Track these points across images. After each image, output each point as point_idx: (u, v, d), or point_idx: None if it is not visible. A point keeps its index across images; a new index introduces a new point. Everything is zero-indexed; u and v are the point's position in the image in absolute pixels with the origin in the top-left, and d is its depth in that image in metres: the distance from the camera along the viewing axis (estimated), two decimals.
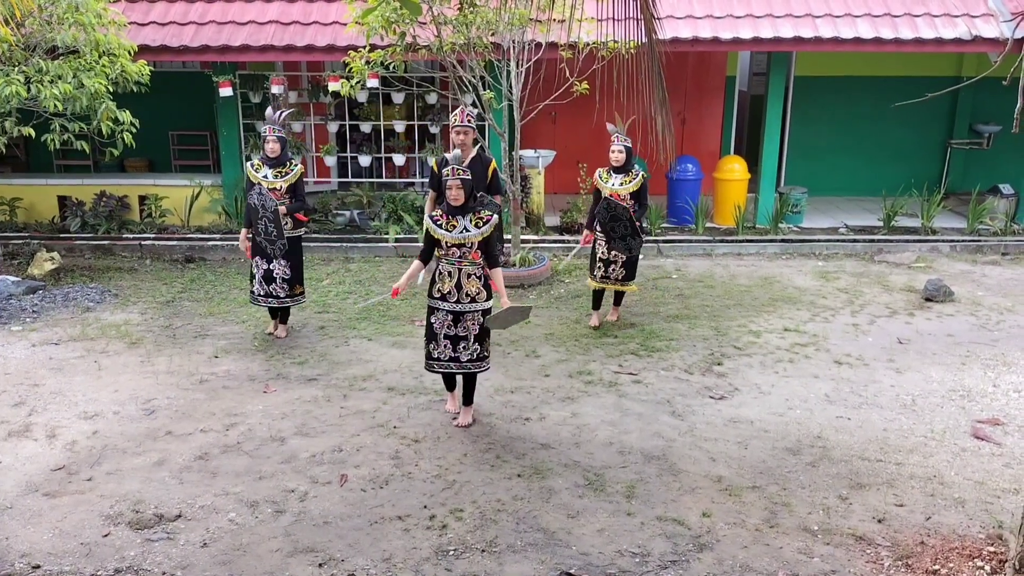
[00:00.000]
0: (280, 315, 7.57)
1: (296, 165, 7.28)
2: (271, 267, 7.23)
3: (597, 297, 7.78)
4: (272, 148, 7.13)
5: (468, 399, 5.87)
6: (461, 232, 5.43)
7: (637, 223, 7.30)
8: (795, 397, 6.36)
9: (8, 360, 7.00)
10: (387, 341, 7.44)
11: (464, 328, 5.58)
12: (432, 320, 5.63)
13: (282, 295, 7.32)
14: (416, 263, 5.68)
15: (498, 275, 5.58)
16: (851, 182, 12.79)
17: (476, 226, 5.43)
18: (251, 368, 6.87)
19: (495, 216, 5.51)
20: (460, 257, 5.47)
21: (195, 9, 10.46)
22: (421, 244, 10.08)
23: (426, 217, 5.62)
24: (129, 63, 8.67)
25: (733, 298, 8.68)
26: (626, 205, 7.25)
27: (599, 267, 7.57)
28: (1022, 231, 10.94)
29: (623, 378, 6.68)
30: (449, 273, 5.51)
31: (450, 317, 5.56)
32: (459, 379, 5.91)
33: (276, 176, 7.16)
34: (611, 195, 7.31)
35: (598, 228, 7.48)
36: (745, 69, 13.51)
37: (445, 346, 5.61)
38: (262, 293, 7.31)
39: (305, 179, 7.57)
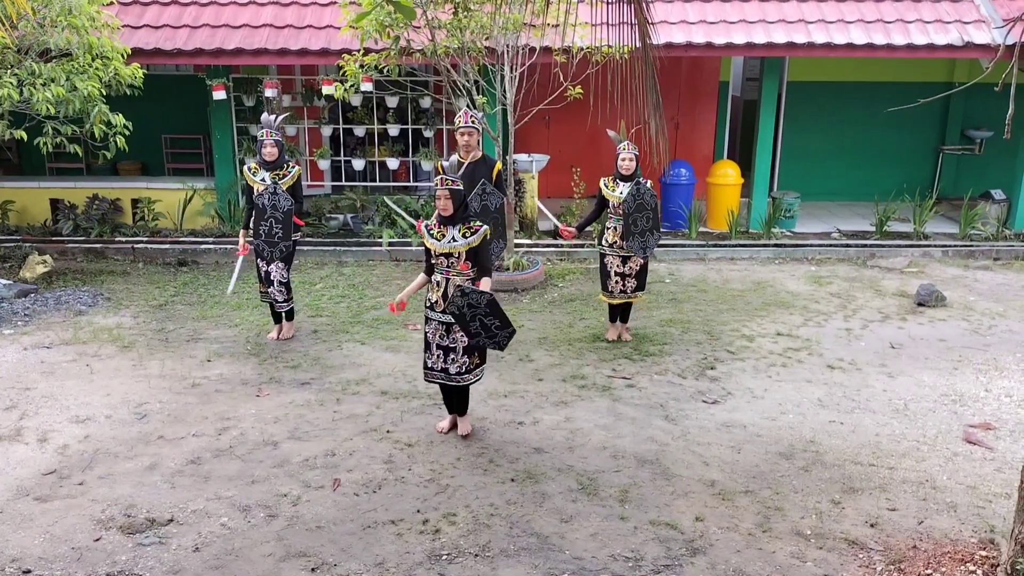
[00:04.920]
0: (285, 314, 7.58)
1: (293, 167, 7.30)
2: (269, 269, 7.26)
3: (613, 311, 7.62)
4: (269, 152, 7.15)
5: (462, 408, 5.79)
6: (449, 242, 5.35)
7: (653, 235, 7.20)
8: (788, 401, 6.38)
9: None
10: (380, 345, 7.44)
11: (453, 340, 5.47)
12: (427, 329, 5.58)
13: (280, 299, 7.37)
14: (421, 276, 5.63)
15: (485, 284, 5.39)
16: (844, 187, 12.84)
17: (464, 236, 5.35)
18: (244, 372, 6.86)
19: (484, 227, 5.41)
20: (448, 267, 5.40)
21: (189, 12, 10.45)
22: (414, 248, 10.13)
23: (420, 225, 5.57)
24: (122, 66, 8.65)
25: (726, 302, 8.70)
26: (655, 192, 7.19)
27: (616, 281, 7.37)
28: (1014, 236, 10.98)
29: (617, 382, 6.69)
30: (438, 283, 5.45)
31: (442, 327, 5.47)
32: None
33: (274, 179, 7.17)
34: (619, 204, 7.19)
35: (608, 237, 7.32)
36: (738, 74, 13.56)
37: (438, 356, 5.56)
38: (264, 291, 7.41)
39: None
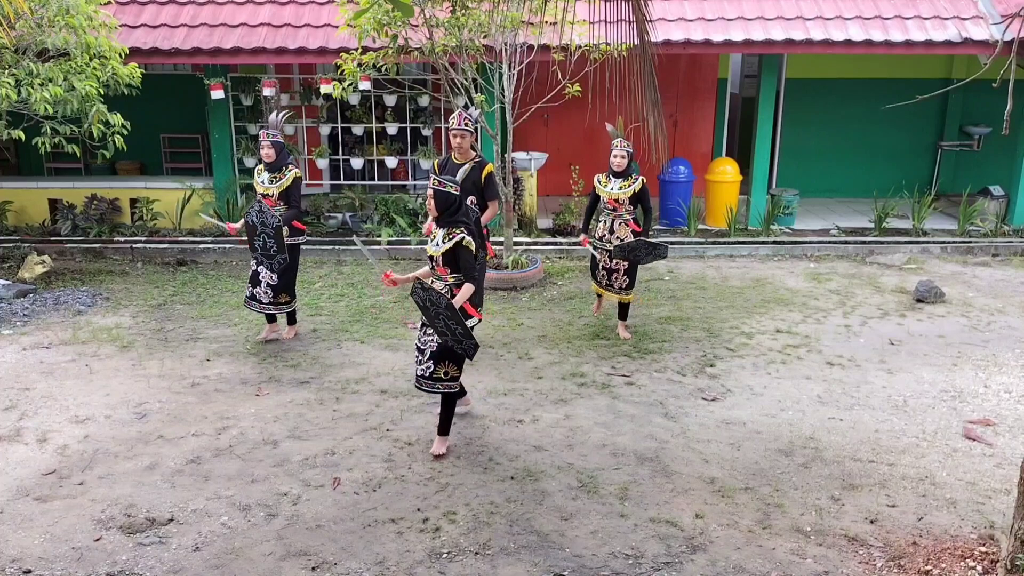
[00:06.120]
0: (288, 316, 7.54)
1: (290, 171, 7.23)
2: (259, 270, 7.18)
3: (624, 308, 7.74)
4: (267, 153, 7.11)
5: (440, 427, 5.55)
6: (434, 244, 5.31)
7: (647, 238, 7.31)
8: (787, 398, 6.38)
9: None
10: (380, 344, 7.44)
11: (424, 342, 5.36)
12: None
13: (265, 301, 7.22)
14: (424, 268, 5.53)
15: (464, 290, 5.22)
16: (842, 184, 12.84)
17: (443, 240, 5.25)
18: (243, 371, 6.86)
19: (461, 235, 5.22)
20: (432, 268, 5.38)
21: (186, 12, 10.44)
22: (413, 247, 10.14)
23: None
24: (120, 66, 8.64)
25: (725, 300, 8.70)
26: (649, 243, 7.27)
27: (602, 275, 7.57)
28: (1012, 232, 10.99)
29: (616, 380, 6.69)
30: (431, 282, 5.37)
31: (422, 330, 5.40)
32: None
33: (271, 181, 7.15)
34: (608, 200, 7.31)
35: (597, 231, 7.53)
36: (736, 71, 13.55)
37: (416, 359, 5.45)
38: (248, 295, 7.26)
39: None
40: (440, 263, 5.30)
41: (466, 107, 8.79)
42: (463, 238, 5.20)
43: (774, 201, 11.17)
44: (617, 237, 7.39)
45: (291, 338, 7.53)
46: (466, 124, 6.79)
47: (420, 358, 5.39)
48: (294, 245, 7.27)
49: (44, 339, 7.52)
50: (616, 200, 7.30)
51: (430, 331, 5.32)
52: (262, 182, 7.20)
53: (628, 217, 7.39)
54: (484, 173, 6.91)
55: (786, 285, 9.24)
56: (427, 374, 5.36)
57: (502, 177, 9.24)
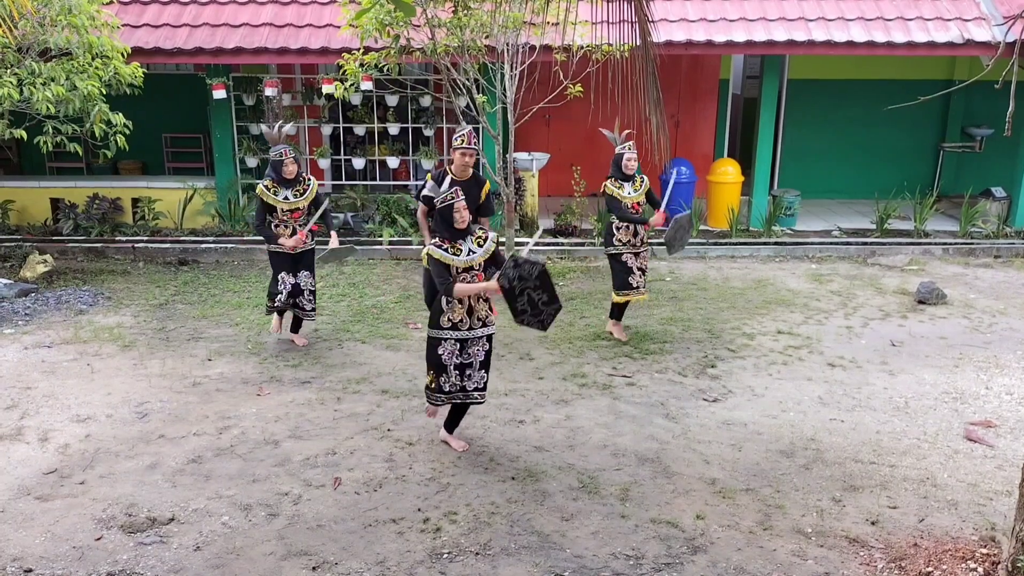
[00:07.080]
0: (292, 324, 7.51)
1: (311, 180, 7.21)
2: (297, 280, 7.18)
3: (623, 309, 7.61)
4: (291, 170, 6.99)
5: (453, 424, 5.64)
6: (468, 255, 5.20)
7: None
8: (788, 399, 6.38)
9: (0, 363, 6.97)
10: (381, 344, 7.44)
11: (468, 355, 5.33)
12: (440, 352, 5.29)
13: (308, 308, 7.29)
14: (476, 285, 5.24)
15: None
16: (844, 185, 12.83)
17: (479, 245, 5.25)
18: (244, 371, 6.86)
19: (492, 233, 5.35)
20: (470, 281, 5.23)
21: (188, 11, 10.45)
22: (415, 246, 10.11)
23: (429, 246, 5.30)
24: (122, 65, 8.65)
25: (727, 301, 8.70)
26: (673, 223, 7.46)
27: (636, 276, 7.39)
28: (1014, 234, 10.98)
29: (617, 381, 6.69)
30: (460, 300, 5.24)
31: (457, 346, 5.29)
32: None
33: (296, 196, 7.05)
34: (633, 205, 7.23)
35: (620, 237, 7.34)
36: (738, 72, 13.54)
37: (455, 376, 5.34)
38: (290, 303, 7.23)
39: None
40: (481, 269, 5.24)
41: (467, 106, 8.77)
42: (495, 235, 5.33)
43: (776, 202, 11.17)
44: (641, 239, 7.36)
45: (303, 344, 7.44)
46: (473, 143, 6.69)
47: (469, 372, 5.37)
48: (313, 248, 7.31)
49: (46, 338, 7.52)
50: (638, 203, 7.30)
51: (470, 346, 5.33)
52: (285, 198, 7.02)
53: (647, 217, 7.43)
54: (484, 191, 6.86)
55: (787, 286, 9.23)
56: (482, 385, 5.45)
57: (504, 178, 9.25)
